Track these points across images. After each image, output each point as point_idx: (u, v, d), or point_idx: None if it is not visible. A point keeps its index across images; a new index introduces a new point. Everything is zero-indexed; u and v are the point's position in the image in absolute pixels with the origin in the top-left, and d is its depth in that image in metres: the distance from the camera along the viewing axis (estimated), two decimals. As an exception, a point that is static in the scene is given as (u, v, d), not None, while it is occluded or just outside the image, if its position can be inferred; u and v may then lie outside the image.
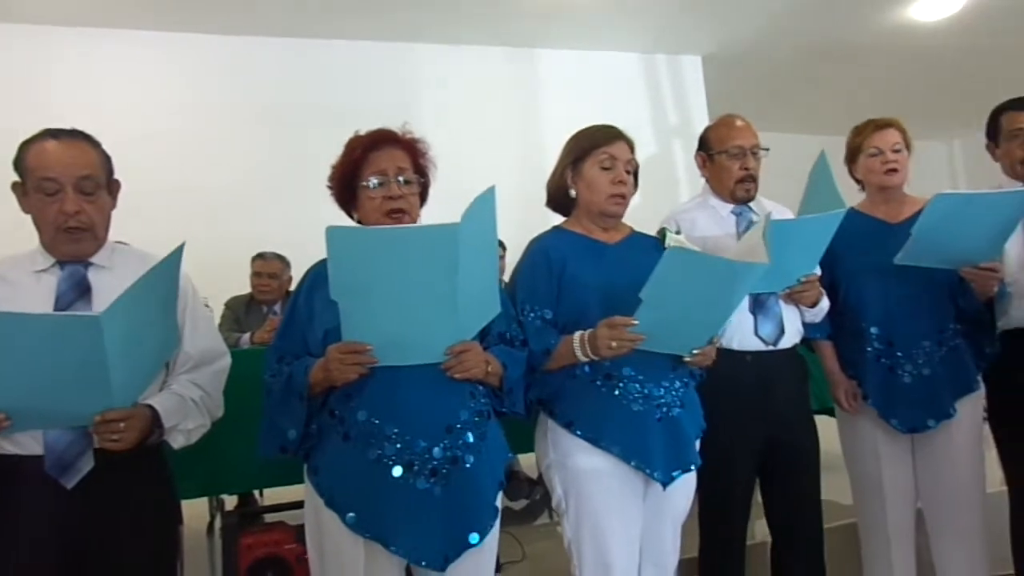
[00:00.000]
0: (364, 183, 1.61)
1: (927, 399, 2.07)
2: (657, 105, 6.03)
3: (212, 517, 3.48)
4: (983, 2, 5.37)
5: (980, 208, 1.92)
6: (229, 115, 4.85)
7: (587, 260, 1.78)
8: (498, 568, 2.64)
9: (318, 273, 1.51)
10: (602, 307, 1.68)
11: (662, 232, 1.85)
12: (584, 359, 1.68)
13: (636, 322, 1.59)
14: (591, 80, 5.65)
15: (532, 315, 1.75)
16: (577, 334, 1.68)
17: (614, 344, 1.61)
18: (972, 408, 2.13)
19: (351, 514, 1.46)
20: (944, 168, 9.12)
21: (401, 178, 1.61)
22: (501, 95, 5.53)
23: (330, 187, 1.68)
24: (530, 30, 5.36)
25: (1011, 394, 2.18)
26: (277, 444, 1.54)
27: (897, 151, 2.17)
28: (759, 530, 2.41)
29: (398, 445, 1.45)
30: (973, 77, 6.37)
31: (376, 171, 1.61)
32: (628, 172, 1.82)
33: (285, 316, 1.65)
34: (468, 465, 1.49)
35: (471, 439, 1.50)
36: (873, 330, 2.12)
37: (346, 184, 1.64)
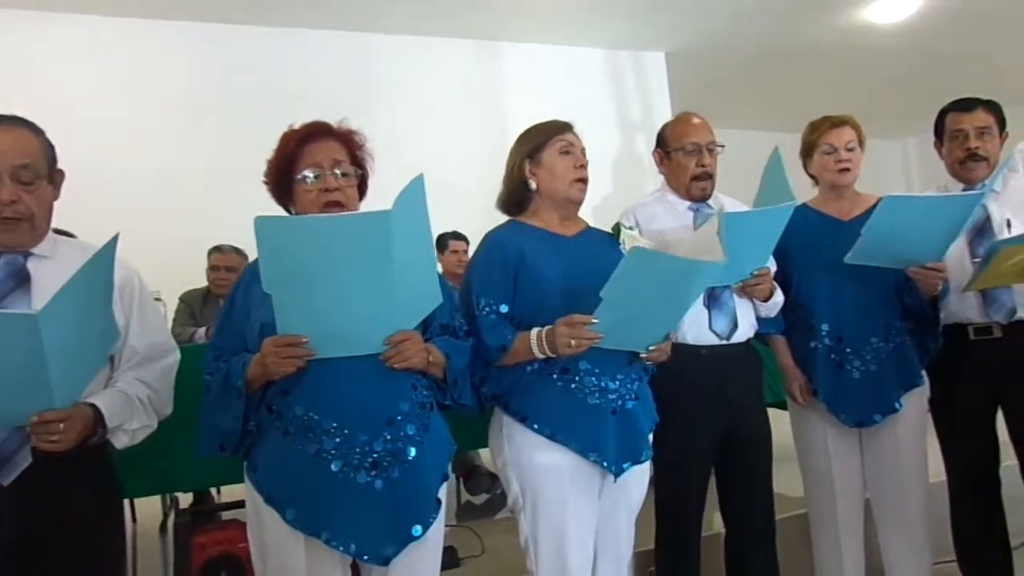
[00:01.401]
0: (299, 176, 1.59)
1: (874, 394, 2.13)
2: (621, 100, 6.06)
3: (165, 516, 3.42)
4: (936, 6, 5.51)
5: (927, 211, 1.97)
6: (186, 104, 4.74)
7: (545, 253, 1.77)
8: (457, 563, 2.66)
9: (255, 268, 1.48)
10: (561, 301, 1.68)
11: (616, 227, 1.86)
12: (542, 356, 1.68)
13: (596, 321, 1.59)
14: (556, 74, 5.66)
15: (487, 309, 1.74)
16: (534, 331, 1.68)
17: (573, 343, 1.61)
18: (917, 402, 2.19)
19: (291, 511, 1.44)
20: (898, 166, 9.34)
21: (338, 171, 1.59)
22: (465, 88, 5.51)
23: (266, 182, 1.65)
24: (495, 23, 5.34)
25: (951, 386, 2.26)
26: (216, 442, 1.52)
27: (851, 149, 2.21)
28: (716, 521, 2.44)
29: (337, 439, 1.43)
30: (926, 78, 6.52)
31: (311, 164, 1.58)
32: (585, 160, 1.83)
33: (222, 313, 1.62)
34: (410, 458, 1.47)
35: (412, 431, 1.49)
36: (824, 326, 2.17)
37: (281, 178, 1.62)
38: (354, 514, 1.43)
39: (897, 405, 2.12)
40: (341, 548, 1.44)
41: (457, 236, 4.41)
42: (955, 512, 2.31)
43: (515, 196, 1.88)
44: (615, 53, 6.05)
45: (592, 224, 1.96)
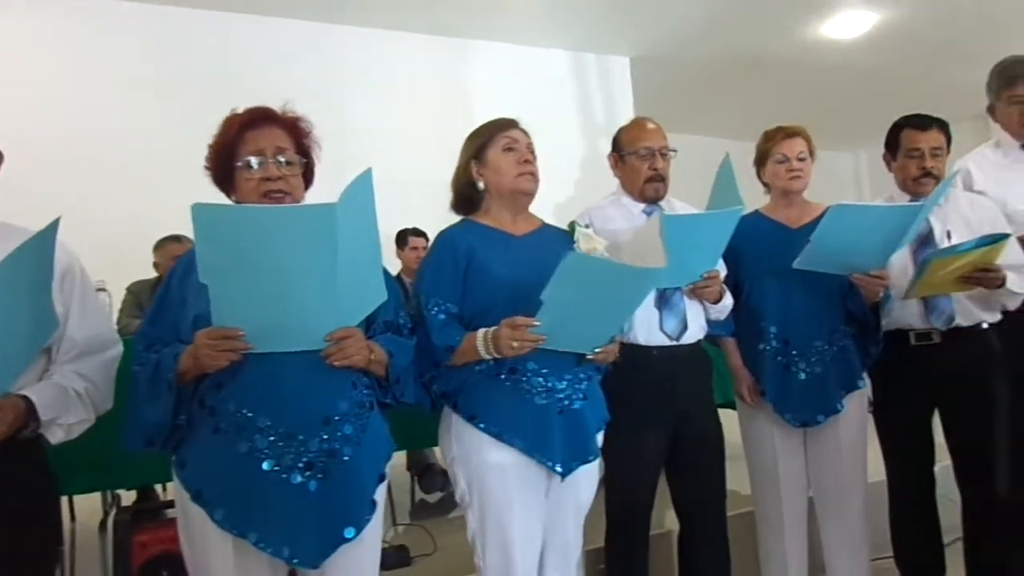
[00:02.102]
0: (240, 163, 1.53)
1: (818, 395, 2.19)
2: (585, 103, 6.10)
3: (105, 514, 3.32)
4: (889, 25, 5.69)
5: (871, 220, 2.03)
6: (131, 87, 4.56)
7: (494, 252, 1.78)
8: (408, 561, 2.65)
9: (192, 256, 1.41)
10: (509, 301, 1.68)
11: (572, 226, 1.88)
12: (488, 356, 1.68)
13: (538, 323, 1.60)
14: (521, 74, 5.66)
15: (436, 309, 1.74)
16: (481, 332, 1.68)
17: (515, 344, 1.62)
18: (858, 404, 2.26)
19: (219, 510, 1.40)
20: (850, 177, 9.60)
21: (282, 158, 1.53)
22: (428, 84, 5.48)
23: (207, 167, 1.59)
24: (462, 21, 5.33)
25: (892, 390, 2.34)
26: (143, 437, 1.46)
27: (802, 159, 2.26)
28: (667, 520, 2.48)
29: (271, 437, 1.39)
30: (878, 93, 6.72)
31: (253, 151, 1.52)
32: (532, 154, 1.84)
33: (155, 301, 1.56)
34: (346, 458, 1.43)
35: (350, 431, 1.45)
36: (772, 329, 2.22)
37: (222, 164, 1.56)
38: (285, 515, 1.39)
39: (839, 406, 2.19)
40: (270, 550, 1.39)
41: (417, 232, 4.40)
42: (893, 510, 2.40)
43: (464, 197, 1.89)
44: (580, 55, 6.08)
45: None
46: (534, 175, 1.83)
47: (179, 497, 1.48)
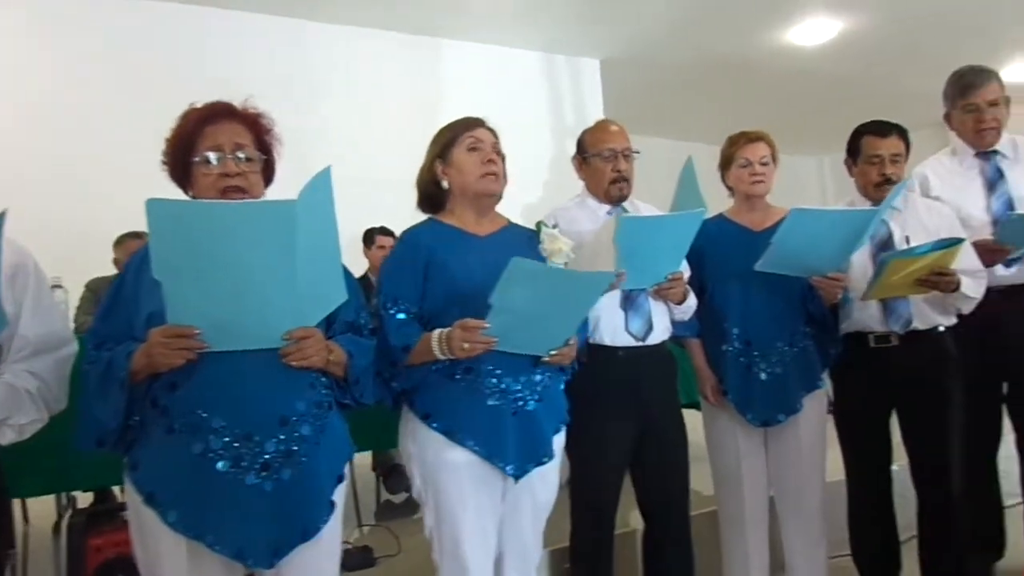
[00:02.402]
0: (197, 158, 1.49)
1: (779, 395, 2.22)
2: (555, 104, 6.13)
3: (59, 516, 3.24)
4: (853, 33, 5.81)
5: (830, 224, 2.07)
6: (93, 79, 4.47)
7: (453, 252, 1.78)
8: (372, 562, 2.63)
9: (147, 252, 1.37)
10: (468, 301, 1.67)
11: (539, 226, 1.88)
12: (442, 357, 1.68)
13: (488, 325, 1.60)
14: (491, 74, 5.67)
15: (394, 309, 1.73)
16: (436, 332, 1.68)
17: (467, 346, 1.62)
18: (817, 403, 2.31)
19: (172, 512, 1.37)
20: (815, 181, 9.78)
21: (241, 154, 1.50)
22: (399, 82, 5.45)
23: (164, 162, 1.56)
24: (433, 19, 5.32)
25: (851, 391, 2.38)
26: (94, 437, 1.43)
27: (765, 164, 2.30)
28: (634, 519, 2.50)
29: (226, 438, 1.37)
30: (841, 100, 6.85)
31: (211, 146, 1.49)
32: (497, 153, 1.83)
33: (108, 297, 1.51)
34: (304, 459, 1.42)
35: (308, 432, 1.43)
36: (735, 330, 2.25)
37: (179, 159, 1.52)
38: (240, 516, 1.37)
39: (799, 406, 2.23)
40: (225, 552, 1.37)
41: (385, 231, 4.36)
42: (851, 509, 2.45)
43: (428, 195, 1.88)
44: (551, 57, 6.11)
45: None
46: (498, 176, 1.83)
47: (131, 500, 1.45)
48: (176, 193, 1.56)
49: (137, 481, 1.42)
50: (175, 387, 1.39)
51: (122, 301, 1.49)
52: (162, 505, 1.38)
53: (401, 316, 1.73)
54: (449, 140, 1.83)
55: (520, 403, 1.73)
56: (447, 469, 1.71)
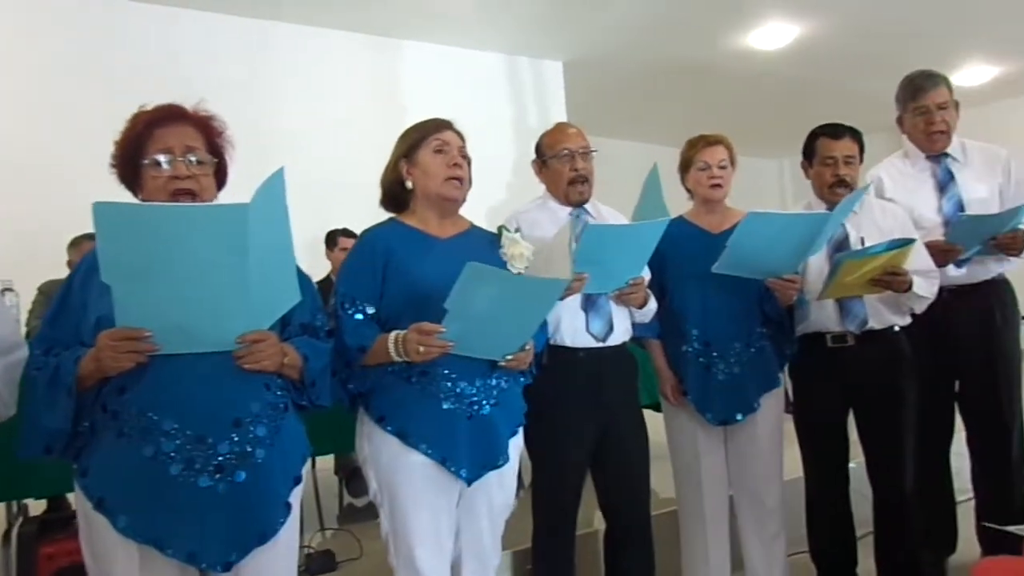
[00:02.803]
0: (146, 161, 1.47)
1: (736, 395, 2.26)
2: (518, 106, 6.13)
3: (10, 525, 3.15)
4: (810, 38, 5.93)
5: (784, 227, 2.10)
6: (45, 78, 4.36)
7: (412, 254, 1.77)
8: (334, 566, 2.61)
9: (96, 256, 1.34)
10: (426, 303, 1.66)
11: (500, 230, 1.88)
12: (398, 359, 1.67)
13: (444, 329, 1.59)
14: (454, 76, 5.66)
15: (352, 310, 1.72)
16: (392, 334, 1.67)
17: (422, 349, 1.61)
18: (774, 402, 2.35)
19: (122, 518, 1.35)
20: (775, 184, 9.96)
21: (192, 157, 1.48)
22: (361, 83, 5.42)
23: (112, 165, 1.53)
24: (395, 20, 5.29)
25: (810, 391, 2.43)
26: (41, 444, 1.40)
27: (723, 167, 2.33)
28: (596, 519, 2.51)
29: (177, 441, 1.35)
30: (801, 103, 6.98)
31: (161, 148, 1.47)
32: (463, 157, 1.82)
33: (56, 302, 1.49)
34: (259, 460, 1.40)
35: (262, 433, 1.42)
36: (694, 331, 2.28)
37: (128, 161, 1.50)
38: (194, 520, 1.35)
39: (756, 405, 2.27)
40: (178, 555, 1.36)
41: (347, 233, 4.33)
42: (809, 506, 2.49)
43: (392, 194, 1.87)
44: (514, 58, 6.12)
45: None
46: (462, 181, 1.82)
47: (81, 506, 1.42)
48: (127, 196, 1.53)
49: (87, 487, 1.39)
50: (124, 391, 1.37)
51: (70, 306, 1.46)
52: (112, 510, 1.36)
53: (358, 316, 1.72)
54: (416, 140, 1.82)
55: (475, 407, 1.73)
56: (402, 472, 1.70)
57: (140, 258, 1.25)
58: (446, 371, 1.70)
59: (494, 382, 1.76)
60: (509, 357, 1.72)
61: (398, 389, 1.70)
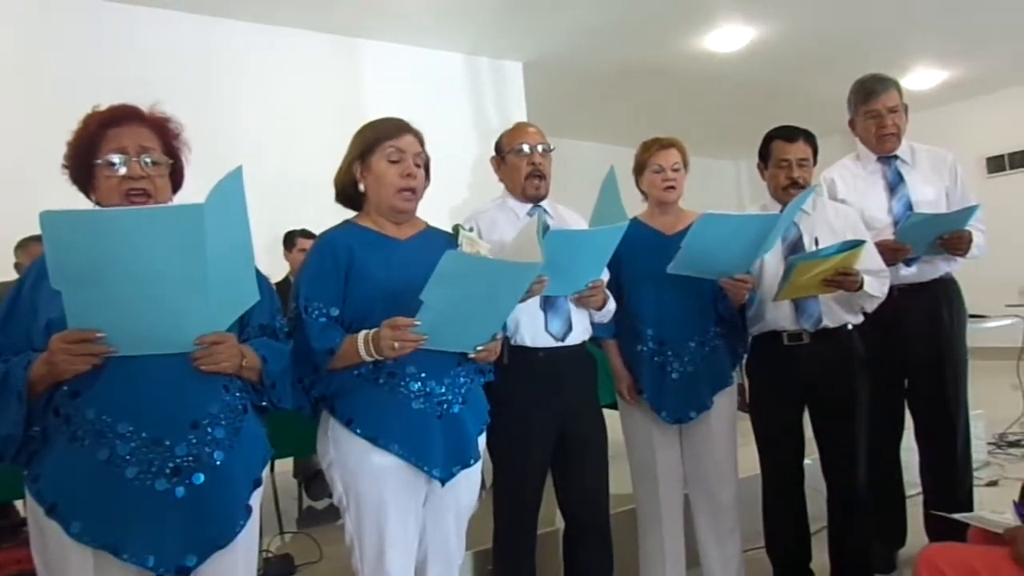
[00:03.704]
0: (99, 161, 1.45)
1: (690, 393, 2.29)
2: (478, 106, 6.12)
3: (-46, 534, 3.05)
4: (765, 40, 6.03)
5: (736, 228, 2.13)
6: (7, 79, 4.23)
7: (375, 256, 1.74)
8: (293, 570, 2.57)
9: (44, 260, 1.32)
10: (389, 305, 1.65)
11: (456, 229, 1.87)
12: (369, 359, 1.65)
13: (419, 323, 1.58)
14: (414, 76, 5.62)
15: (316, 312, 1.69)
16: (361, 334, 1.65)
17: (397, 345, 1.59)
18: (727, 400, 2.39)
19: (76, 523, 1.32)
20: (732, 185, 10.11)
21: (148, 158, 1.46)
22: (319, 83, 5.35)
23: (65, 166, 1.50)
24: (353, 19, 5.23)
25: (766, 389, 2.47)
26: None
27: (676, 170, 2.36)
28: (558, 518, 2.52)
29: (133, 444, 1.33)
30: (756, 105, 7.11)
31: (115, 148, 1.45)
32: (418, 166, 1.79)
33: (4, 307, 1.45)
34: (217, 463, 1.39)
35: (221, 435, 1.40)
36: (648, 331, 2.31)
37: (81, 162, 1.47)
38: (150, 524, 1.33)
39: (709, 403, 2.30)
40: (134, 560, 1.33)
41: (306, 234, 4.27)
42: (766, 503, 2.52)
43: (346, 193, 1.85)
44: (474, 59, 6.10)
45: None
46: (415, 192, 1.79)
47: (32, 513, 1.38)
48: (79, 198, 1.49)
49: (39, 493, 1.36)
50: (78, 394, 1.34)
51: (19, 312, 1.42)
52: (65, 516, 1.33)
53: (323, 319, 1.69)
54: (371, 144, 1.78)
55: (445, 406, 1.72)
56: (369, 474, 1.68)
57: (92, 264, 1.22)
58: (414, 370, 1.68)
59: (462, 380, 1.76)
60: (480, 348, 1.72)
61: (366, 391, 1.68)
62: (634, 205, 2.49)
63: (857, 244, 2.22)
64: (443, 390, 1.72)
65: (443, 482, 1.71)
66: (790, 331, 2.39)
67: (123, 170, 1.44)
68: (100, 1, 4.57)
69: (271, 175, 4.22)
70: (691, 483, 2.41)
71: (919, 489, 2.75)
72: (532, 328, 2.09)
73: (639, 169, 2.41)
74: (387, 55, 5.63)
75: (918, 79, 7.22)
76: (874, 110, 2.61)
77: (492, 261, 1.70)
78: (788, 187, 2.39)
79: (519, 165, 2.17)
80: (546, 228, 1.86)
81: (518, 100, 6.25)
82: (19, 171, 4.00)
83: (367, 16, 5.20)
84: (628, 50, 6.05)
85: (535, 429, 2.09)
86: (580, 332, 2.17)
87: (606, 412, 2.32)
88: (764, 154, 2.48)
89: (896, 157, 2.66)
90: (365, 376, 1.69)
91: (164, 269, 1.25)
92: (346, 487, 1.71)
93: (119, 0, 4.61)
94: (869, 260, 2.33)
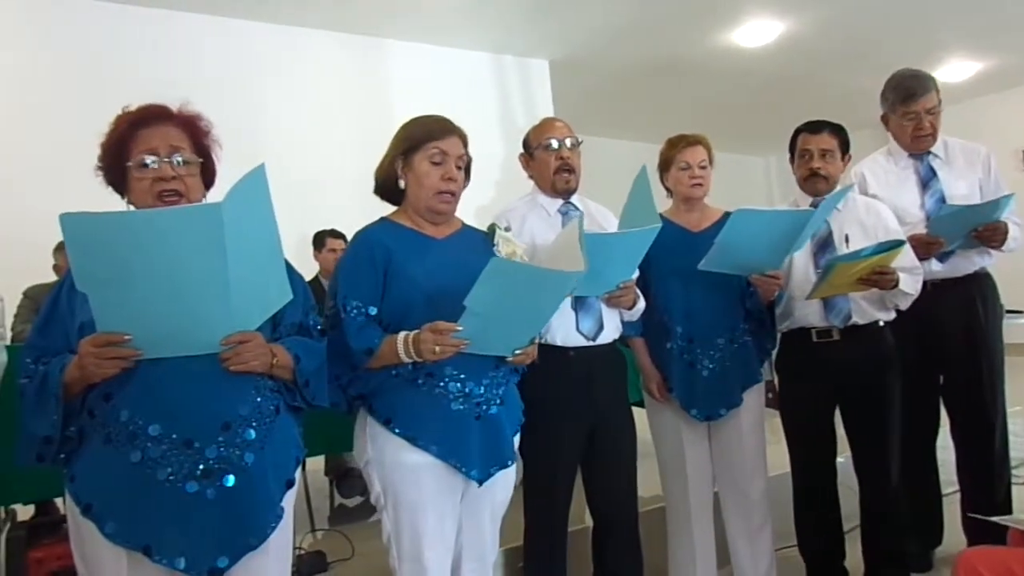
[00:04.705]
0: (132, 162, 1.45)
1: (720, 390, 2.28)
2: (505, 105, 6.13)
3: (-2, 530, 3.14)
4: (794, 34, 5.95)
5: (769, 223, 2.12)
6: (26, 82, 4.33)
7: (414, 255, 1.74)
8: (325, 567, 2.61)
9: None
10: (428, 304, 1.66)
11: (492, 228, 1.87)
12: (408, 360, 1.65)
13: (460, 328, 1.58)
14: (441, 75, 5.65)
15: (354, 311, 1.69)
16: (401, 335, 1.65)
17: (438, 349, 1.59)
18: (756, 396, 2.37)
19: (110, 524, 1.35)
20: (762, 181, 10.01)
21: (178, 157, 1.46)
22: (347, 83, 5.40)
23: (98, 167, 1.51)
24: (380, 20, 5.28)
25: (796, 386, 2.45)
26: (33, 451, 1.39)
27: (703, 167, 2.35)
28: (588, 516, 2.52)
29: (164, 446, 1.34)
30: (786, 100, 7.03)
31: (146, 149, 1.45)
32: (459, 168, 1.79)
33: (44, 310, 1.48)
34: (248, 464, 1.39)
35: (253, 436, 1.41)
36: (678, 329, 2.30)
37: (114, 164, 1.48)
38: (182, 526, 1.34)
39: (739, 400, 2.29)
40: (165, 562, 1.34)
41: (335, 234, 4.31)
42: (797, 501, 2.50)
43: (387, 187, 1.84)
44: (500, 58, 6.12)
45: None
46: (454, 195, 1.79)
47: (70, 511, 1.41)
48: (111, 199, 1.52)
49: (75, 493, 1.39)
50: (110, 397, 1.36)
51: (58, 314, 1.45)
52: (99, 517, 1.35)
53: (360, 318, 1.69)
54: (415, 143, 1.76)
55: (483, 407, 1.72)
56: (407, 473, 1.68)
57: (114, 266, 1.23)
58: (453, 372, 1.68)
59: (499, 381, 1.76)
60: (518, 352, 1.72)
61: (405, 391, 1.68)
62: (658, 201, 2.48)
63: (897, 244, 2.18)
64: (482, 391, 1.72)
65: (480, 483, 1.72)
66: (819, 328, 2.36)
67: (154, 171, 1.44)
68: (128, 7, 4.67)
69: (298, 175, 4.26)
70: (720, 480, 2.40)
71: (956, 487, 2.71)
72: (563, 327, 2.08)
73: (665, 166, 2.40)
74: (413, 55, 5.66)
75: (951, 71, 7.08)
76: (912, 112, 2.55)
77: (537, 269, 1.69)
78: (809, 178, 2.36)
79: (548, 160, 2.17)
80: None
81: (544, 98, 6.24)
82: (52, 174, 4.10)
83: (393, 16, 5.24)
84: (655, 46, 6.02)
85: (566, 428, 2.10)
86: (611, 331, 2.17)
87: (633, 410, 2.31)
88: (792, 148, 2.46)
89: (929, 152, 2.62)
90: (404, 376, 1.69)
91: (185, 270, 1.26)
92: (384, 486, 1.71)
93: (147, 5, 4.70)
94: (903, 257, 2.30)
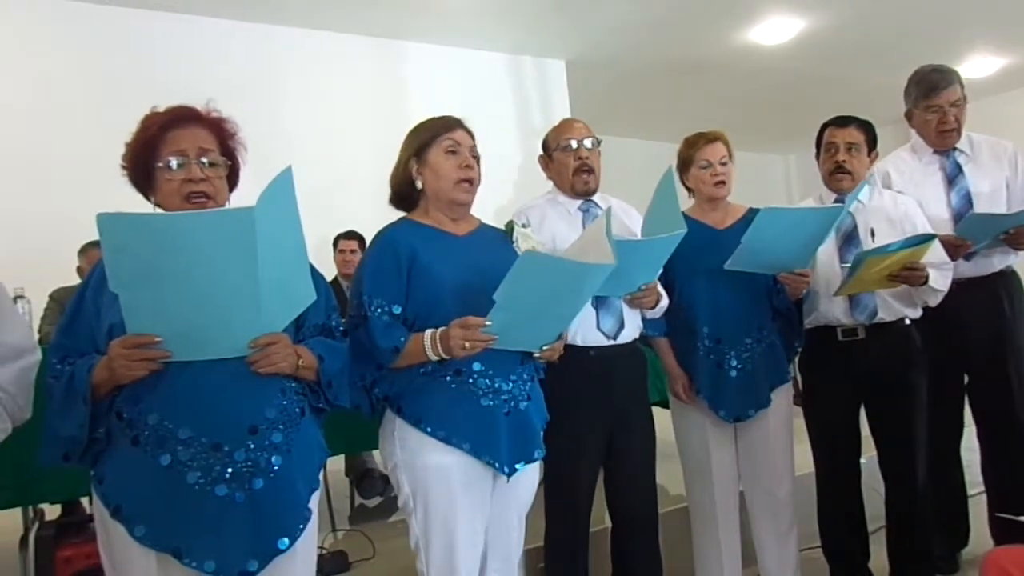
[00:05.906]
0: (160, 164, 1.46)
1: (749, 391, 2.25)
2: (522, 106, 6.12)
3: (26, 529, 3.18)
4: (814, 32, 5.89)
5: (796, 221, 2.11)
6: (52, 86, 4.37)
7: (437, 252, 1.74)
8: (347, 567, 2.62)
9: None
10: (453, 302, 1.66)
11: (510, 225, 1.87)
12: (435, 358, 1.65)
13: (489, 323, 1.57)
14: (458, 76, 5.65)
15: (379, 310, 1.69)
16: (428, 332, 1.65)
17: (467, 345, 1.59)
18: (784, 396, 2.35)
19: (140, 527, 1.35)
20: (781, 179, 9.92)
21: (205, 159, 1.47)
22: (364, 85, 5.42)
23: (124, 167, 1.51)
24: (397, 22, 5.29)
25: (820, 384, 2.43)
26: (59, 452, 1.40)
27: (724, 164, 2.32)
28: (608, 516, 2.52)
29: (193, 449, 1.34)
30: (805, 98, 6.96)
31: (175, 151, 1.45)
32: (475, 157, 1.80)
33: (69, 310, 1.48)
34: (276, 467, 1.39)
35: (279, 439, 1.41)
36: (704, 329, 2.27)
37: (141, 165, 1.48)
38: (212, 529, 1.34)
39: (768, 400, 2.27)
40: (195, 565, 1.34)
41: (347, 235, 4.34)
42: (821, 501, 2.48)
43: (402, 193, 1.85)
44: (517, 58, 6.11)
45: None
46: (472, 183, 1.79)
47: (98, 513, 1.42)
48: (138, 200, 1.54)
49: (104, 494, 1.39)
50: (139, 399, 1.36)
51: (84, 314, 1.45)
52: (129, 519, 1.36)
53: (385, 317, 1.69)
54: (426, 140, 1.78)
55: (513, 403, 1.71)
56: (438, 474, 1.67)
57: (147, 267, 1.24)
58: (481, 368, 1.68)
59: (526, 376, 1.76)
60: (545, 348, 1.72)
61: (434, 390, 1.68)
62: (680, 201, 2.47)
63: (928, 239, 2.16)
64: (510, 387, 1.71)
65: (509, 476, 1.70)
66: (844, 325, 2.34)
67: (183, 172, 1.45)
68: (151, 12, 4.71)
69: (318, 178, 4.28)
70: (747, 481, 2.38)
71: (982, 488, 2.67)
72: (584, 326, 2.07)
73: (684, 165, 2.38)
74: (430, 57, 5.68)
75: (975, 67, 6.98)
76: (936, 105, 2.52)
77: (570, 262, 1.68)
78: (833, 172, 2.34)
79: (567, 161, 2.16)
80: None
81: (561, 99, 6.23)
82: (80, 176, 4.15)
83: (410, 18, 5.25)
84: (672, 45, 5.98)
85: (586, 427, 2.09)
86: (632, 330, 2.16)
87: (654, 410, 2.30)
88: (818, 143, 2.44)
89: (955, 149, 2.58)
90: (431, 374, 1.68)
91: (217, 273, 1.27)
92: (414, 490, 1.70)
93: (170, 11, 4.75)
94: (932, 253, 2.27)
